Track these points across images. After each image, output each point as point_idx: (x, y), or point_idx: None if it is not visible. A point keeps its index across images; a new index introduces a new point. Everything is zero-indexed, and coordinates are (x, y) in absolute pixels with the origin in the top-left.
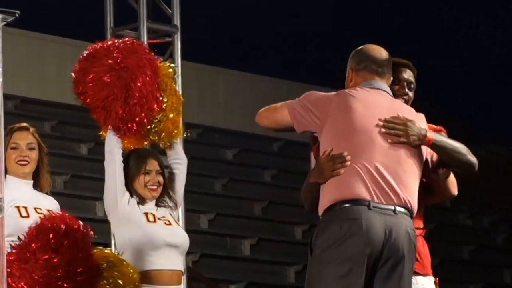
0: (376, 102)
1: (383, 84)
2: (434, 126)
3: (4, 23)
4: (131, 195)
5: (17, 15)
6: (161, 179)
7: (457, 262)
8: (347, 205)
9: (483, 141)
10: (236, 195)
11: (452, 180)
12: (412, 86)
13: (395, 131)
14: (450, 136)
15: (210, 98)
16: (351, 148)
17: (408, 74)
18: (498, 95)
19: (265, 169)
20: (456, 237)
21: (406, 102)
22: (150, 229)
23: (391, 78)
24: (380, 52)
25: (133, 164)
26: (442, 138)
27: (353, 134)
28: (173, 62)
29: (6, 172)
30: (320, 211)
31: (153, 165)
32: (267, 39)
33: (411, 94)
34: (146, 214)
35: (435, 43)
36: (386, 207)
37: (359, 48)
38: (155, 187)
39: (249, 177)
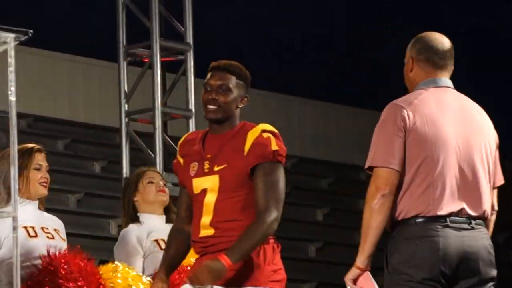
0: (446, 104)
1: (447, 80)
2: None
3: (17, 42)
4: (135, 210)
5: (30, 34)
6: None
7: None
8: (423, 221)
9: None
10: None
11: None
12: (224, 88)
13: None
14: None
15: None
16: (429, 156)
17: (216, 78)
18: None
19: None
20: None
21: (219, 106)
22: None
23: (452, 69)
24: (442, 42)
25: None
26: (237, 250)
27: (429, 143)
28: (186, 80)
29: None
30: (393, 219)
31: (157, 176)
32: (278, 56)
33: (224, 98)
34: (157, 241)
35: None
36: (463, 220)
37: (420, 35)
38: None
39: None
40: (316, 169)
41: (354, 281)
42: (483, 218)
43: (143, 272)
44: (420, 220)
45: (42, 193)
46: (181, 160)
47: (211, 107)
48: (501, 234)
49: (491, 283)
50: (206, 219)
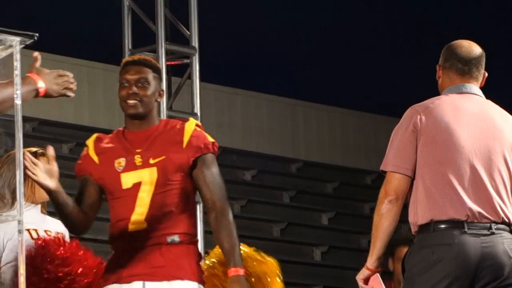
0: (463, 110)
1: (471, 86)
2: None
3: (22, 45)
4: None
5: (35, 38)
6: None
7: None
8: (441, 227)
9: None
10: (255, 216)
11: None
12: (142, 81)
13: None
14: None
15: (228, 119)
16: (441, 161)
17: (133, 72)
18: None
19: (283, 190)
20: None
21: (140, 100)
22: None
23: (483, 77)
24: (469, 49)
25: None
26: (237, 257)
27: (441, 148)
28: (192, 84)
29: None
30: (413, 225)
31: None
32: (284, 60)
33: (144, 91)
34: None
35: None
36: (482, 225)
37: (449, 43)
38: None
39: (268, 198)
40: (321, 173)
41: (365, 281)
42: (506, 223)
43: None
44: (437, 226)
45: (46, 197)
46: (95, 158)
47: (131, 101)
48: None
49: None
50: (139, 213)
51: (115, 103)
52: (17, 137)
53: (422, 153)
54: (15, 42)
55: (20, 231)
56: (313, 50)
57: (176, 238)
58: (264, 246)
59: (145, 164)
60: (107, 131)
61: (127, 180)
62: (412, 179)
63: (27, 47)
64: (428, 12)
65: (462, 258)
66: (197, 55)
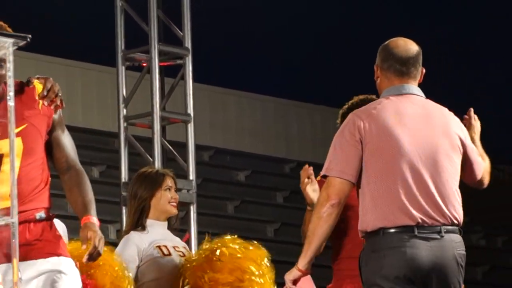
0: (404, 114)
1: (410, 86)
2: None
3: (15, 47)
4: (144, 218)
5: (28, 39)
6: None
7: (471, 284)
8: (390, 232)
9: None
10: (248, 217)
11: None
12: (1, 64)
13: None
14: None
15: (222, 120)
16: (387, 168)
17: None
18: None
19: (277, 190)
20: (470, 258)
21: None
22: (167, 263)
23: (421, 74)
24: (406, 49)
25: (148, 183)
26: (93, 207)
27: (386, 154)
28: (185, 84)
29: None
30: (361, 232)
31: (172, 182)
32: (277, 60)
33: (2, 71)
34: (159, 247)
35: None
36: (432, 229)
37: (385, 43)
38: (175, 203)
39: (261, 198)
40: (315, 173)
41: (294, 282)
42: (455, 224)
43: (137, 277)
44: (387, 231)
45: None
46: None
47: None
48: (500, 237)
49: None
50: (7, 188)
51: (108, 103)
52: (10, 139)
53: (367, 163)
54: (8, 43)
55: (13, 234)
56: (306, 50)
57: (42, 214)
58: None
59: (6, 134)
60: (100, 132)
61: None
62: (357, 186)
63: (20, 48)
64: (425, 13)
65: (414, 261)
66: (190, 56)
